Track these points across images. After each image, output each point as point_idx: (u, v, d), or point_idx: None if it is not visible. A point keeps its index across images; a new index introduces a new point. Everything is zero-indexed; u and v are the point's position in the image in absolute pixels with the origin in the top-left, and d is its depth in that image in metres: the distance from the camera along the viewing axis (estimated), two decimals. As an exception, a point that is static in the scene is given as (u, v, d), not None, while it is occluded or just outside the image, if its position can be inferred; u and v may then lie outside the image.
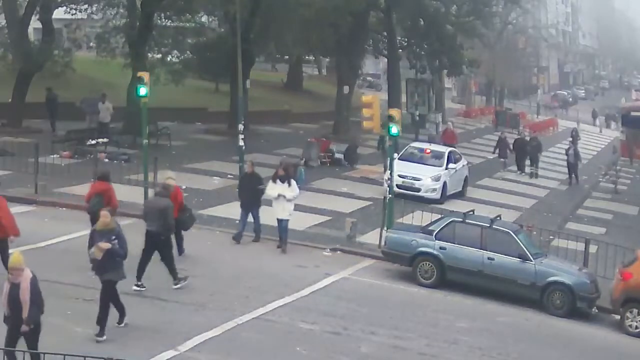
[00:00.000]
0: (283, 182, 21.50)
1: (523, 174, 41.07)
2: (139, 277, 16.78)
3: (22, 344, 11.74)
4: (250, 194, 21.81)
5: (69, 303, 15.58)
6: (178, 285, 17.28)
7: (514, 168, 41.61)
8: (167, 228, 17.19)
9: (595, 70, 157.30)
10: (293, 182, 21.89)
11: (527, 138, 43.70)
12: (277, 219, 21.58)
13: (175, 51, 42.92)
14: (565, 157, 41.74)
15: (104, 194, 18.28)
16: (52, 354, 9.65)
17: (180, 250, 19.31)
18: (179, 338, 14.42)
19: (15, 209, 22.36)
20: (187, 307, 16.26)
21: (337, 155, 37.25)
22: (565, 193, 38.81)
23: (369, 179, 34.05)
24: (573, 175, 40.95)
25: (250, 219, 21.93)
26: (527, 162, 41.62)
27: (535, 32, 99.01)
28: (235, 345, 14.65)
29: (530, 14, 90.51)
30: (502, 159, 41.99)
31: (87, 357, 9.50)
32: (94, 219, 16.74)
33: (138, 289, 16.68)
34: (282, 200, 21.36)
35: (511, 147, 41.83)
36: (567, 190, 39.60)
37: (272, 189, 21.53)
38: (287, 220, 21.59)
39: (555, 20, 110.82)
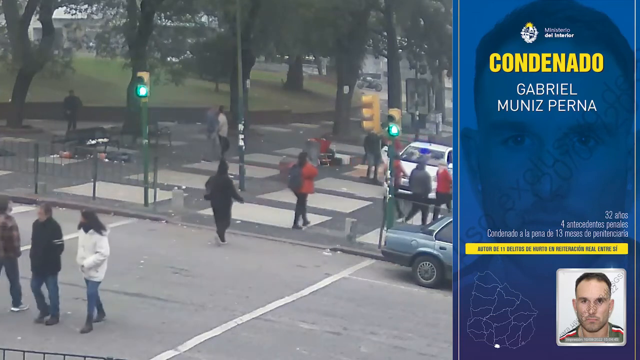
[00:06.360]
0: (87, 231, 14.45)
1: None
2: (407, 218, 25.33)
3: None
4: (44, 252, 14.55)
5: (69, 303, 15.56)
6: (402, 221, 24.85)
7: None
8: (427, 192, 25.07)
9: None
10: (103, 237, 14.42)
11: None
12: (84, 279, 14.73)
13: (175, 52, 42.90)
14: None
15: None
16: (52, 354, 9.64)
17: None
18: (179, 338, 14.42)
19: (15, 209, 22.48)
20: (187, 307, 16.27)
21: (337, 155, 37.23)
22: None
23: (369, 179, 34.04)
24: None
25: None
26: None
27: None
28: (235, 345, 14.64)
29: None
30: None
31: (87, 357, 9.49)
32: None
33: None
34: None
35: None
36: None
37: (80, 247, 14.58)
38: (97, 282, 14.51)
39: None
